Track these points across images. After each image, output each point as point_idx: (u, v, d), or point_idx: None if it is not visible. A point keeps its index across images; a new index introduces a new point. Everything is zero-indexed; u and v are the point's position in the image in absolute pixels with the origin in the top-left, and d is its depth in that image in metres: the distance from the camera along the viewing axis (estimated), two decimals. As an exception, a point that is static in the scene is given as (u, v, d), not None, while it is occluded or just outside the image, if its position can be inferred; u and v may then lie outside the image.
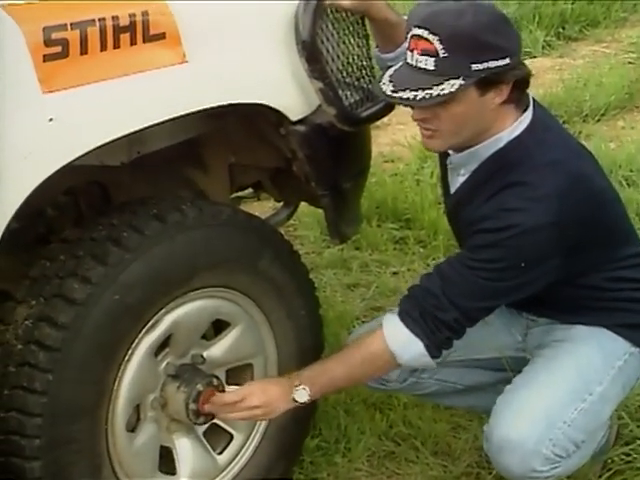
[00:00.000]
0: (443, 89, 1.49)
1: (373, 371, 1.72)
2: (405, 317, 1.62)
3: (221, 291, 1.68)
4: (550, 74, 4.47)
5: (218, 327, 1.74)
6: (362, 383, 1.83)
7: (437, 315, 1.60)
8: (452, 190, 1.73)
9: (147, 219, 1.56)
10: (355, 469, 2.02)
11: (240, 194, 2.18)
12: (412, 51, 1.54)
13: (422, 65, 1.52)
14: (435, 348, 1.62)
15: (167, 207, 1.60)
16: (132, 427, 1.63)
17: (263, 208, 2.75)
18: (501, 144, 1.61)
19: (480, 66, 1.50)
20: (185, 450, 1.72)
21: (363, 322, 2.46)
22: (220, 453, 1.78)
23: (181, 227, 1.58)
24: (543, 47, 4.79)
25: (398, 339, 1.62)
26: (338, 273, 2.80)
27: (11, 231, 1.38)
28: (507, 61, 1.52)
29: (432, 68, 1.50)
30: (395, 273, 2.79)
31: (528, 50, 4.62)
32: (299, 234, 3.03)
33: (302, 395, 1.63)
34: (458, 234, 1.81)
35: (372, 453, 2.05)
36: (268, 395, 1.63)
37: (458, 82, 1.50)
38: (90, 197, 1.78)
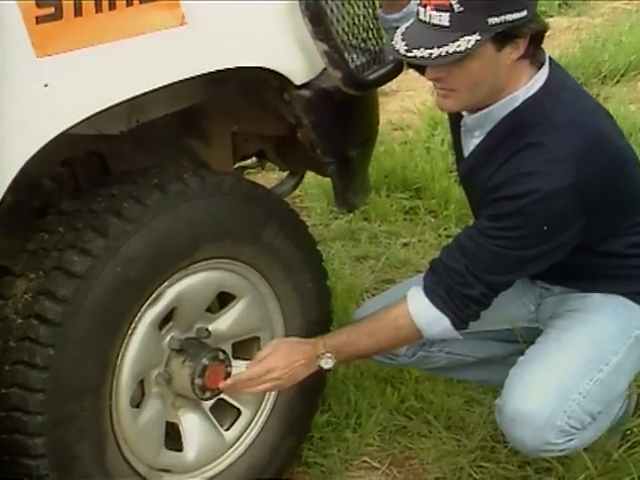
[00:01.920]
0: (459, 45, 1.48)
1: (397, 344, 1.78)
2: (431, 294, 1.64)
3: (225, 263, 1.68)
4: (567, 34, 4.43)
5: (223, 300, 1.75)
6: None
7: (463, 292, 1.61)
8: (466, 153, 1.72)
9: (148, 189, 1.56)
10: (366, 444, 2.04)
11: (243, 164, 2.17)
12: (425, 7, 1.52)
13: (436, 21, 1.50)
14: (462, 322, 1.65)
15: (169, 177, 1.60)
16: (137, 403, 1.64)
17: (268, 180, 2.75)
18: (517, 103, 1.60)
19: (497, 20, 1.48)
20: (192, 426, 1.73)
21: (372, 295, 2.47)
22: (227, 429, 1.80)
23: (183, 197, 1.58)
24: (559, 5, 4.74)
25: (425, 316, 1.65)
26: (346, 245, 2.80)
27: (7, 204, 1.38)
28: (524, 13, 1.50)
29: (447, 24, 1.49)
30: (405, 244, 2.79)
31: (543, 9, 4.57)
32: (305, 206, 3.03)
33: (328, 363, 1.68)
34: (472, 200, 1.80)
35: (383, 428, 2.07)
36: (292, 366, 1.66)
37: (474, 38, 1.48)
38: (88, 168, 1.77)
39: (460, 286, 1.61)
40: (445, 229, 2.83)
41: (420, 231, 2.84)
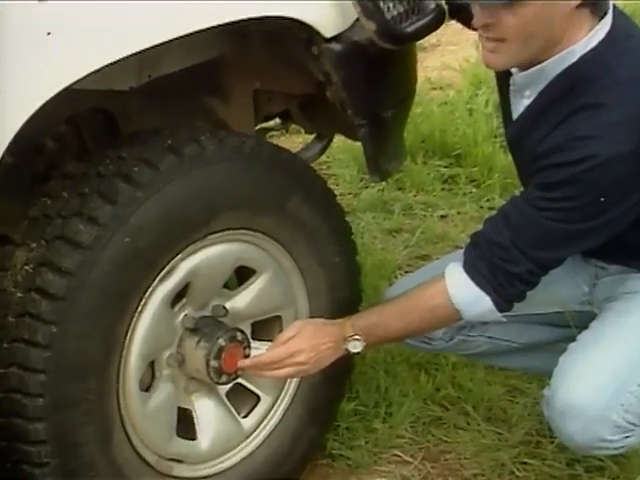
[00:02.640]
0: None
1: (433, 326, 1.77)
2: (471, 270, 1.62)
3: (245, 234, 1.68)
4: (633, -25, 4.32)
5: (242, 275, 1.75)
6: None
7: (508, 269, 1.60)
8: (514, 116, 1.70)
9: (161, 152, 1.56)
10: (397, 436, 2.03)
11: (266, 125, 2.17)
12: None
13: None
14: (505, 302, 1.63)
15: (183, 138, 1.60)
16: (146, 387, 1.64)
17: (292, 143, 2.75)
18: (574, 58, 1.57)
19: None
20: (206, 413, 1.74)
21: (406, 272, 2.47)
22: (245, 417, 1.80)
23: (199, 161, 1.58)
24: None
25: (464, 295, 1.63)
26: (378, 217, 2.80)
27: (6, 166, 1.38)
28: None
29: None
30: (443, 217, 2.79)
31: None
32: (333, 173, 3.04)
33: (356, 346, 1.67)
34: (520, 168, 1.78)
35: (416, 419, 2.07)
36: (318, 349, 1.65)
37: None
38: (94, 127, 1.77)
39: (504, 262, 1.59)
40: (487, 200, 2.82)
41: (460, 202, 2.83)
